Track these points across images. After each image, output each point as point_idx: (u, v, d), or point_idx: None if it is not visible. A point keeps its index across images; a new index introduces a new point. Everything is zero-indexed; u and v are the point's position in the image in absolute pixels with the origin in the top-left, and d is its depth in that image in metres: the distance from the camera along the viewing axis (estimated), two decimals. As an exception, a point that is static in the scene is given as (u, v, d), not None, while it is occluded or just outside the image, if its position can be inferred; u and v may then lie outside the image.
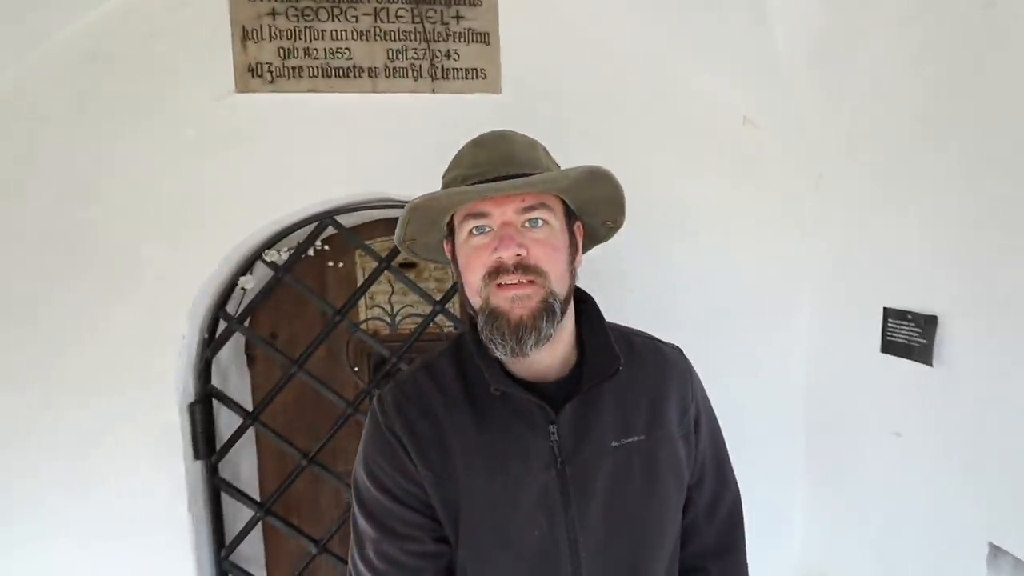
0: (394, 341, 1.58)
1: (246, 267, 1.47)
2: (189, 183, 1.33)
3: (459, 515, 0.79)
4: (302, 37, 1.35)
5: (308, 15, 1.35)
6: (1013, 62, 0.92)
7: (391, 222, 1.63)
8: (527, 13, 1.39)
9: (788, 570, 1.55)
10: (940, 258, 1.08)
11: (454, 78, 1.39)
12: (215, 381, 1.51)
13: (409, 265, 1.61)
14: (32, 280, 1.31)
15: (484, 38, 1.39)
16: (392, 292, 1.67)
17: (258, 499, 1.58)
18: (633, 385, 0.86)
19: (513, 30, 1.39)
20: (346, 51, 1.36)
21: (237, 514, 1.57)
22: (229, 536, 1.55)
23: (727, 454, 0.97)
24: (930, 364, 1.10)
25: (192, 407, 1.43)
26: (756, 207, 1.46)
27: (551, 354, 0.82)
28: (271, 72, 1.34)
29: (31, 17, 1.23)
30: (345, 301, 1.50)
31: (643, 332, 0.96)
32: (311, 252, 1.48)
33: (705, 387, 0.95)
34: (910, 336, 1.15)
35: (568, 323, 0.83)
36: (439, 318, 1.49)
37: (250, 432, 1.53)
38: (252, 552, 1.64)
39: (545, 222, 0.77)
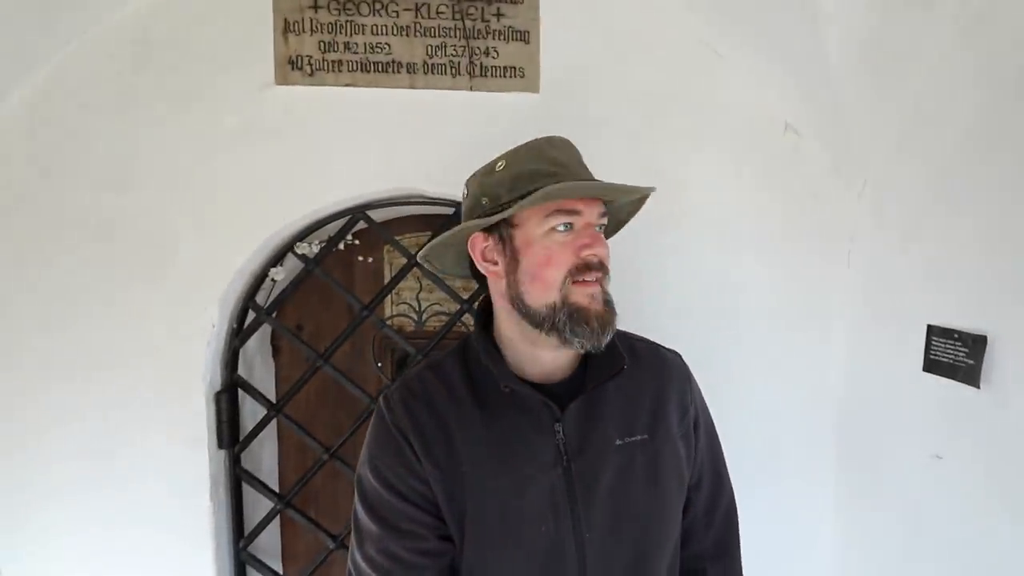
0: (419, 338, 1.57)
1: (277, 259, 1.48)
2: (226, 173, 1.34)
3: (465, 513, 0.79)
4: (343, 31, 1.35)
5: (349, 9, 1.35)
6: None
7: (421, 219, 1.62)
8: (568, 12, 1.38)
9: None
10: (993, 274, 1.04)
11: (492, 76, 1.38)
12: (240, 371, 1.52)
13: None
14: (68, 267, 1.32)
15: (524, 36, 1.38)
16: (420, 289, 1.66)
17: (278, 491, 1.58)
18: (636, 386, 0.89)
19: (553, 29, 1.38)
20: (386, 46, 1.36)
21: (256, 505, 1.57)
22: (247, 527, 1.55)
23: (724, 459, 1.01)
24: (977, 386, 1.06)
25: (218, 396, 1.43)
26: (795, 214, 1.43)
27: (563, 353, 0.84)
28: (311, 65, 1.34)
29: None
30: (373, 296, 1.49)
31: (645, 338, 0.99)
32: (341, 246, 1.48)
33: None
34: (956, 356, 1.11)
35: None
36: (465, 317, 1.48)
37: (272, 424, 1.53)
38: (269, 544, 1.64)
39: (603, 225, 0.84)
